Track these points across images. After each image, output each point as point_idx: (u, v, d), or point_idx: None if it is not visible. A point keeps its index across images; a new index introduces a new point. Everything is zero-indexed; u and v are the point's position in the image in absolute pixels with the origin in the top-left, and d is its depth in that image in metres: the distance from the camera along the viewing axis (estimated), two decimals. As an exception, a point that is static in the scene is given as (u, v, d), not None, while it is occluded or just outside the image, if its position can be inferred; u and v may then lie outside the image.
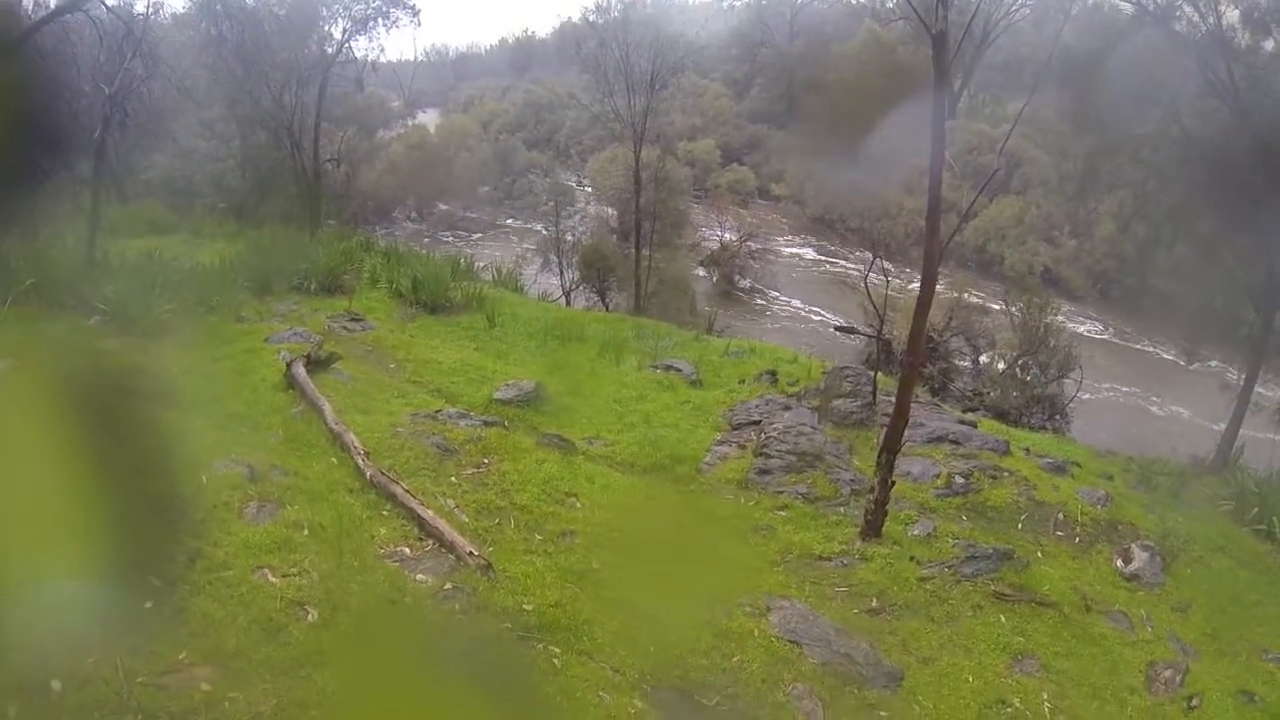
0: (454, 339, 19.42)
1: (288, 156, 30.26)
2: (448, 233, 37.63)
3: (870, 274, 20.70)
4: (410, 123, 42.72)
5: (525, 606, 8.06)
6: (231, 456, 9.23)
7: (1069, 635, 10.36)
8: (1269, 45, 23.11)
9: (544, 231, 33.85)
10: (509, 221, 38.38)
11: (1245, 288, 23.64)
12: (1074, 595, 11.23)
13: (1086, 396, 28.29)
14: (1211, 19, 22.29)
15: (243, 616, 6.77)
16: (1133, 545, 13.03)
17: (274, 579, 7.36)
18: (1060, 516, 13.51)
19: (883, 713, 8.48)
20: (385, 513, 9.26)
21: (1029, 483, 14.23)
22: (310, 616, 6.99)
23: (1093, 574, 12.28)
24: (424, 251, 28.54)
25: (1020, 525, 13.15)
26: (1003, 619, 10.38)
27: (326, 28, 32.27)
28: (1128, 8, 23.70)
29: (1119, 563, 12.74)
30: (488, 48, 60.47)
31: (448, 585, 8.13)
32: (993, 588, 10.88)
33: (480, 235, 37.43)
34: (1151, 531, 13.51)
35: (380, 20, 32.43)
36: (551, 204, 33.50)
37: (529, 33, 58.76)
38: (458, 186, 39.49)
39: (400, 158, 38.45)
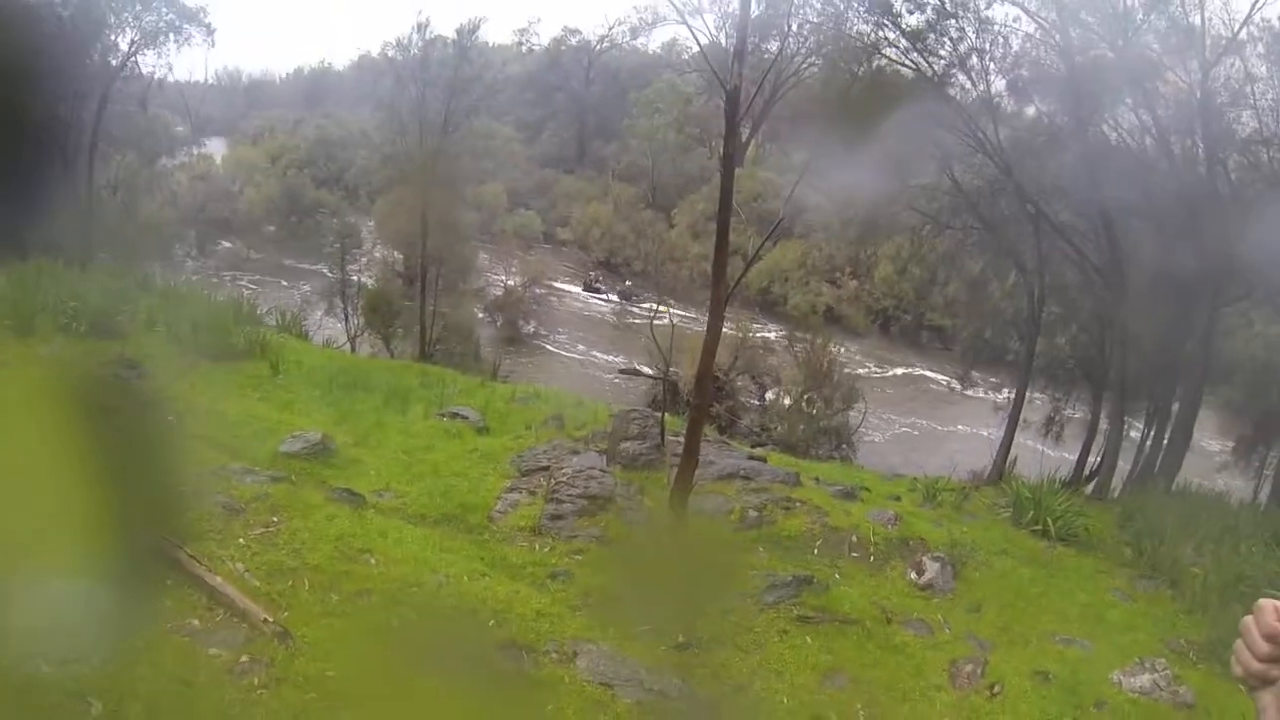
0: (237, 388, 18.15)
1: (58, 178, 27.49)
2: (230, 273, 35.82)
3: (655, 317, 21.10)
4: (196, 151, 40.65)
5: (328, 673, 7.74)
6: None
7: (874, 647, 10.89)
8: (1030, 111, 25.02)
9: (329, 275, 32.95)
10: (294, 263, 36.98)
11: (1011, 320, 25.60)
12: (874, 610, 11.78)
13: (874, 432, 29.58)
14: (982, 86, 24.23)
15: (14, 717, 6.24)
16: (924, 558, 13.80)
17: (46, 668, 6.77)
18: (854, 539, 14.11)
19: None
20: (169, 582, 8.67)
21: (821, 510, 14.77)
22: (94, 709, 6.49)
23: (890, 589, 12.96)
24: (205, 293, 27.27)
25: (816, 551, 13.70)
26: (809, 640, 10.75)
27: (113, 37, 29.47)
28: (909, 73, 25.23)
29: (913, 575, 13.48)
30: (283, 76, 57.93)
31: (244, 658, 7.70)
32: (796, 612, 11.28)
33: (264, 277, 35.93)
34: (940, 543, 14.42)
35: (172, 35, 30.06)
36: (338, 246, 32.71)
37: (325, 64, 56.77)
38: (243, 224, 37.67)
39: (183, 189, 36.44)
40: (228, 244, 37.94)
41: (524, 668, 8.83)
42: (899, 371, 36.06)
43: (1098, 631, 13.04)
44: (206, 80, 50.68)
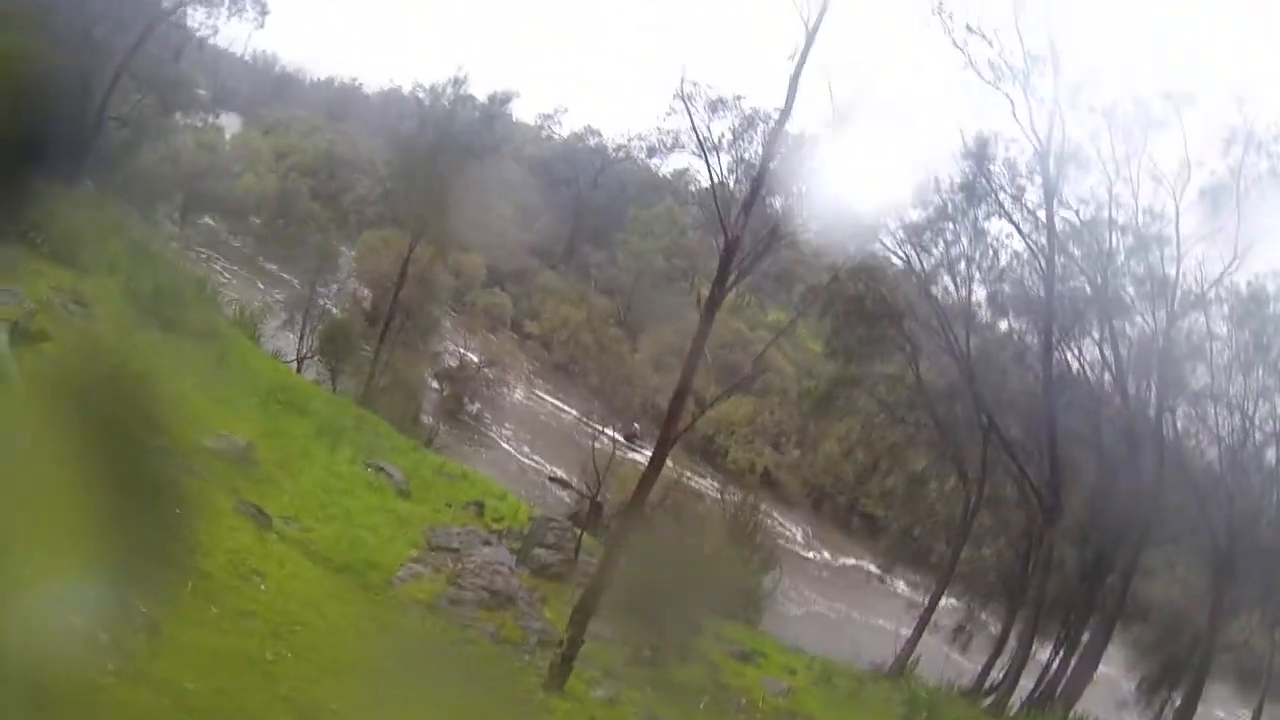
0: (179, 366, 16.55)
1: (71, 95, 26.27)
2: (205, 250, 35.09)
3: (599, 436, 21.06)
4: (210, 119, 40.08)
5: (188, 685, 7.17)
6: None
7: None
8: (1003, 325, 25.65)
9: (299, 289, 32.24)
10: (269, 265, 36.34)
11: (943, 522, 25.74)
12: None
13: (784, 603, 29.32)
14: (964, 291, 24.84)
15: None
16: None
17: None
18: (743, 701, 13.86)
19: None
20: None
21: (716, 666, 14.64)
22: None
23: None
24: (175, 259, 26.71)
25: (703, 705, 13.40)
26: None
27: (171, -22, 28.78)
28: (898, 262, 25.86)
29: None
30: (314, 79, 57.71)
31: (105, 636, 7.01)
32: None
33: (236, 267, 35.29)
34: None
35: (227, 1, 29.84)
36: (315, 263, 32.18)
37: (356, 82, 56.72)
38: (231, 207, 37.08)
39: (186, 151, 35.76)
40: (210, 221, 37.33)
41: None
42: (825, 554, 36.02)
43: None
44: (243, 56, 50.59)
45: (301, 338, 28.85)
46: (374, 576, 13.29)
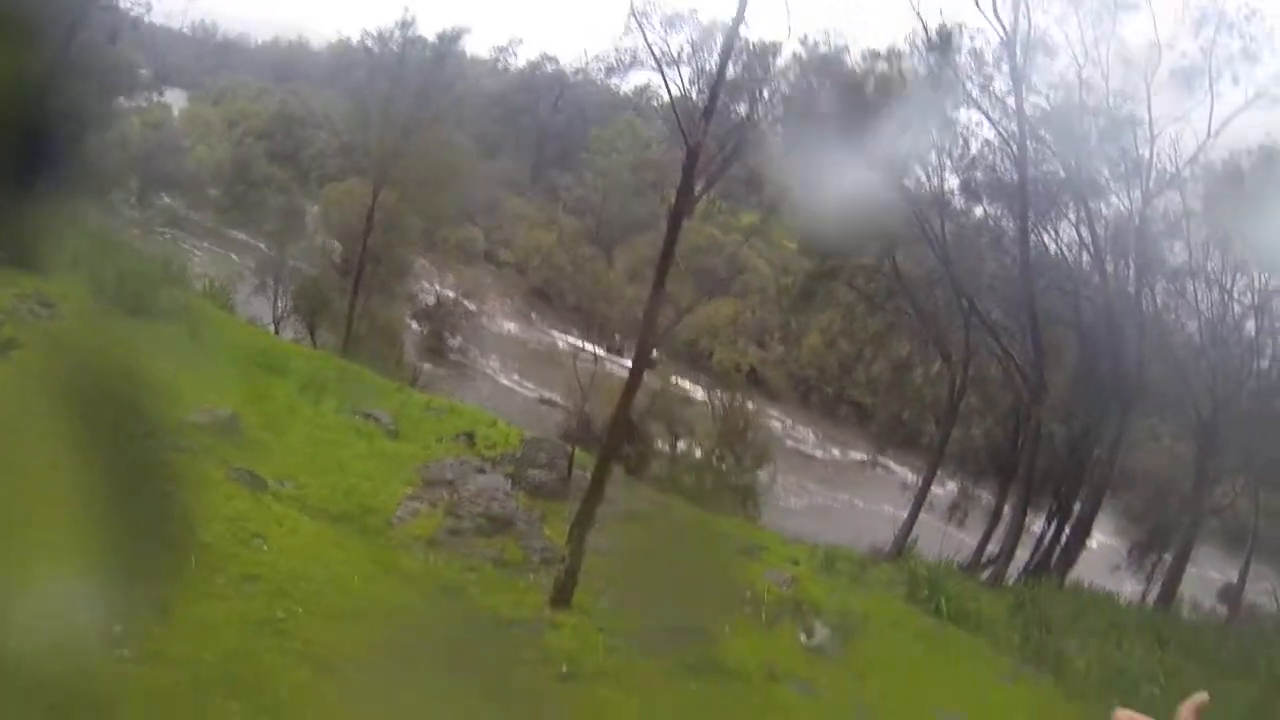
0: (153, 350, 16.48)
1: (12, 93, 25.73)
2: (167, 230, 34.64)
3: (580, 352, 21.14)
4: (155, 98, 39.42)
5: (204, 657, 7.43)
6: None
7: (758, 702, 10.89)
8: (978, 211, 25.71)
9: (267, 252, 32.06)
10: (233, 233, 35.94)
11: (930, 405, 26.12)
12: (761, 667, 11.76)
13: (782, 496, 29.73)
14: (936, 180, 24.86)
15: None
16: (815, 622, 13.89)
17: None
18: (748, 595, 14.13)
19: None
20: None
21: (719, 563, 14.87)
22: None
23: (778, 647, 12.97)
24: (137, 245, 26.48)
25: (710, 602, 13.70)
26: (693, 687, 10.65)
27: (101, -40, 27.79)
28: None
29: (803, 637, 13.56)
30: (258, 43, 56.37)
31: (117, 627, 7.26)
32: (682, 658, 11.12)
33: (200, 241, 34.92)
34: (833, 610, 14.61)
35: None
36: (280, 225, 32.07)
37: (302, 39, 55.50)
38: (188, 183, 36.59)
39: (134, 134, 35.28)
40: (169, 200, 36.83)
41: (402, 677, 8.58)
42: (814, 440, 36.40)
43: (978, 710, 13.25)
44: (182, 29, 49.51)
45: (275, 300, 28.76)
46: (372, 520, 13.50)
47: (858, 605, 15.56)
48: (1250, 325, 24.19)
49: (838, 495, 32.41)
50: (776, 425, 34.72)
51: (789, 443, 34.97)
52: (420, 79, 32.50)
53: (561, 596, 11.85)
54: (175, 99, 42.46)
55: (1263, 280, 23.71)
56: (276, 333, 27.26)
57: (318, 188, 37.39)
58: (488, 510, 14.19)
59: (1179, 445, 27.13)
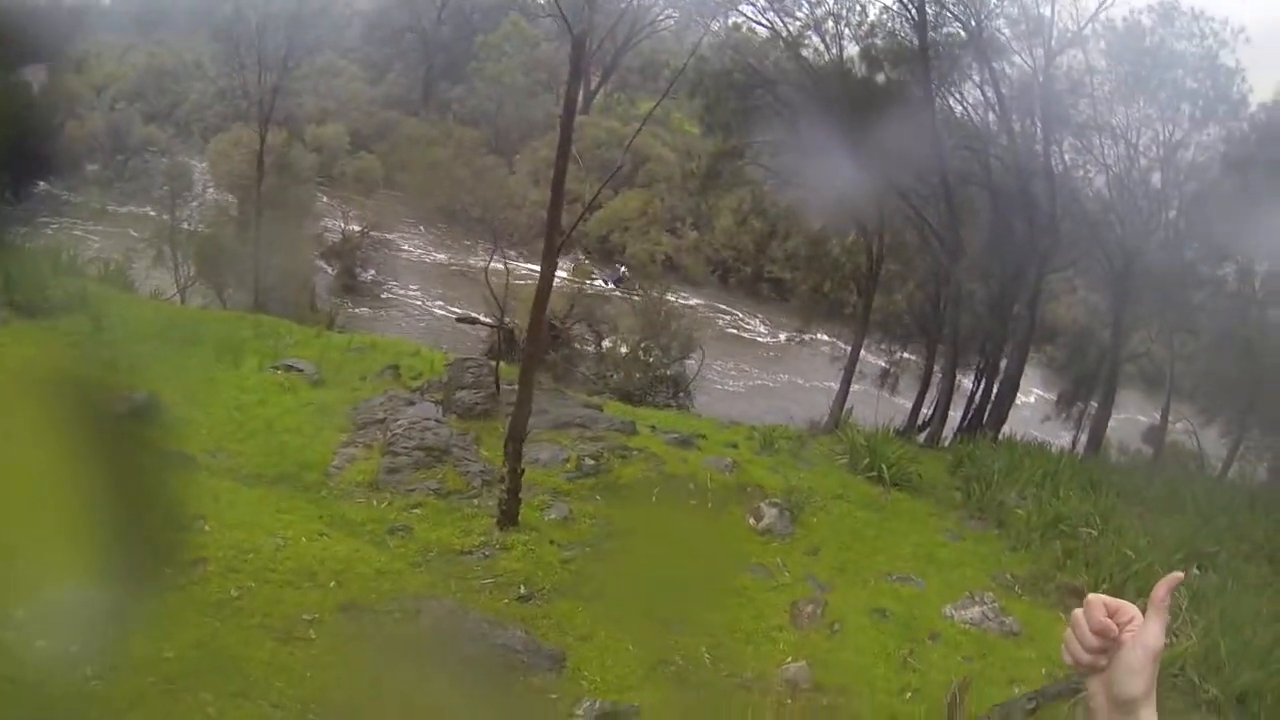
0: (55, 348, 16.22)
1: None
2: (50, 219, 33.09)
3: (492, 264, 20.92)
4: (13, 80, 37.34)
5: (166, 654, 7.37)
6: None
7: (713, 591, 11.23)
8: (880, 79, 25.60)
9: (158, 220, 30.39)
10: (119, 209, 34.40)
11: (850, 275, 26.37)
12: (712, 556, 12.02)
13: (713, 382, 30.01)
14: (835, 50, 24.68)
15: None
16: (761, 504, 14.26)
17: None
18: (691, 486, 14.37)
19: (553, 695, 8.72)
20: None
21: (658, 458, 15.09)
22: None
23: (728, 534, 13.40)
24: (20, 242, 25.36)
25: (654, 498, 13.88)
26: (647, 585, 10.99)
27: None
28: (763, 31, 25.58)
29: (751, 521, 13.86)
30: None
31: (73, 646, 7.11)
32: (634, 559, 11.41)
33: (86, 223, 33.43)
34: (777, 490, 14.92)
35: None
36: (167, 189, 30.80)
37: None
38: (63, 163, 34.98)
39: None
40: (46, 186, 35.17)
41: (365, 629, 8.62)
42: (737, 321, 36.64)
43: (930, 569, 13.81)
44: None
45: (176, 268, 27.42)
46: (310, 476, 13.33)
47: (801, 481, 15.89)
48: (1156, 177, 24.69)
49: (777, 375, 32.78)
50: (706, 312, 34.96)
51: (728, 329, 35.27)
52: (290, 7, 31.21)
53: (507, 517, 11.91)
54: (34, 75, 40.15)
55: (1167, 133, 24.22)
56: (183, 302, 26.18)
57: (203, 141, 36.09)
58: (422, 442, 14.08)
59: (1095, 297, 27.87)
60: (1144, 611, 1.82)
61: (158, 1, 52.23)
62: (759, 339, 35.86)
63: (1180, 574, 1.88)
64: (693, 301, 34.85)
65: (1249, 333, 24.28)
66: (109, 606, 7.58)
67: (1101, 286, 26.13)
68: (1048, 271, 24.94)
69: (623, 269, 35.18)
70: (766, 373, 32.88)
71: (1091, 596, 1.83)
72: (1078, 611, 1.82)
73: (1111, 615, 1.81)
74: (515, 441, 11.75)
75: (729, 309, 36.89)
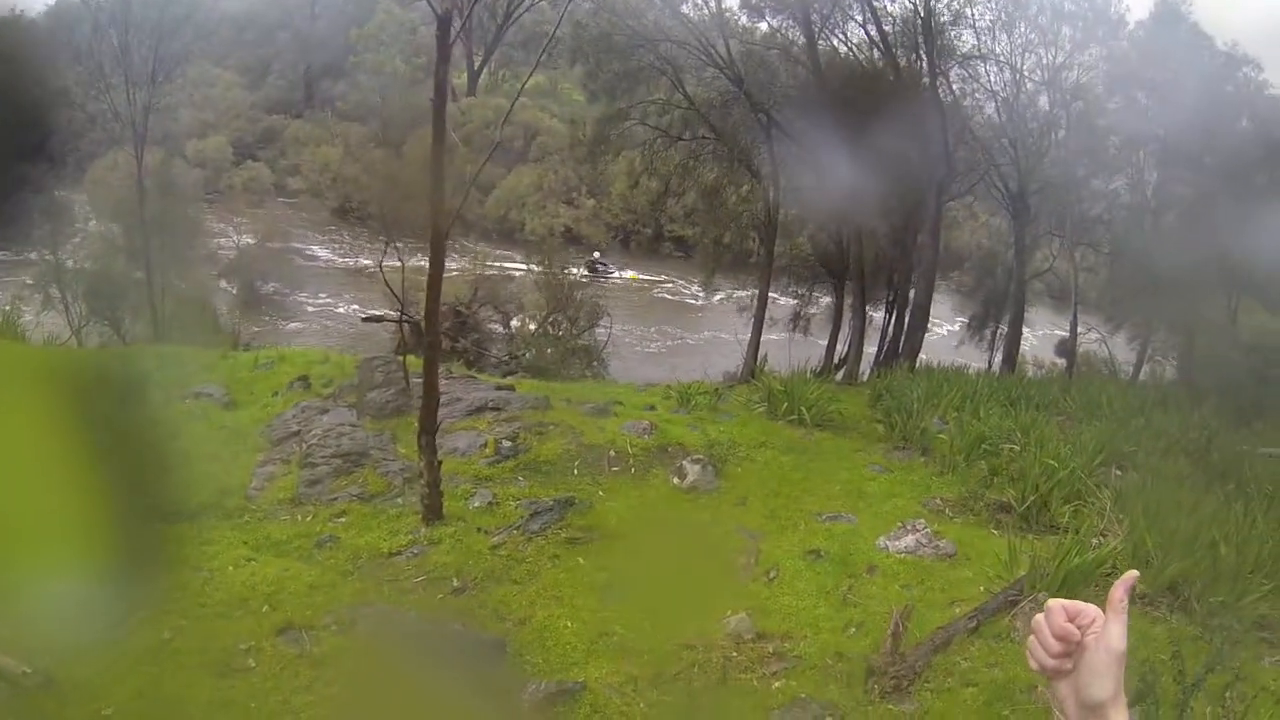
0: None
1: None
2: None
3: (386, 259, 20.73)
4: None
5: (105, 711, 7.24)
6: None
7: (645, 558, 11.25)
8: (763, 26, 25.73)
9: (43, 260, 29.47)
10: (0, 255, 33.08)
11: (749, 224, 26.59)
12: (640, 521, 12.04)
13: (628, 346, 30.05)
14: (714, 3, 24.78)
15: None
16: (684, 462, 14.33)
17: None
18: (612, 454, 14.46)
19: (497, 683, 8.69)
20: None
21: (576, 431, 15.11)
22: None
23: (655, 497, 13.42)
24: None
25: (576, 471, 14.03)
26: (582, 561, 11.07)
27: None
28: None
29: (675, 480, 13.91)
30: None
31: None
32: (564, 535, 11.56)
33: None
34: (698, 446, 15.05)
35: None
36: (48, 227, 29.75)
37: (17, 12, 50.28)
38: None
39: None
40: None
41: (305, 649, 8.53)
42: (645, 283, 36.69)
43: (860, 505, 13.97)
44: None
45: (67, 308, 26.61)
46: (231, 502, 13.09)
47: (722, 434, 16.08)
48: (1044, 100, 25.26)
49: (695, 332, 32.92)
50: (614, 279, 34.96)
51: (636, 292, 35.27)
52: (154, 17, 30.21)
53: (432, 511, 11.84)
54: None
55: (1050, 57, 24.76)
56: (80, 344, 25.32)
57: (80, 172, 34.96)
58: (339, 449, 13.93)
59: (996, 220, 28.45)
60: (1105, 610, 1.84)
61: (13, 30, 50.38)
62: (668, 298, 35.96)
63: (1135, 572, 1.91)
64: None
65: (1145, 240, 25.00)
66: (39, 676, 7.39)
67: (1001, 209, 26.67)
68: (947, 200, 25.43)
69: (596, 253, 35.18)
70: (686, 331, 33.02)
71: (1051, 602, 1.86)
72: (1039, 618, 1.86)
73: (1072, 619, 1.83)
74: (427, 434, 11.69)
75: (636, 270, 36.92)
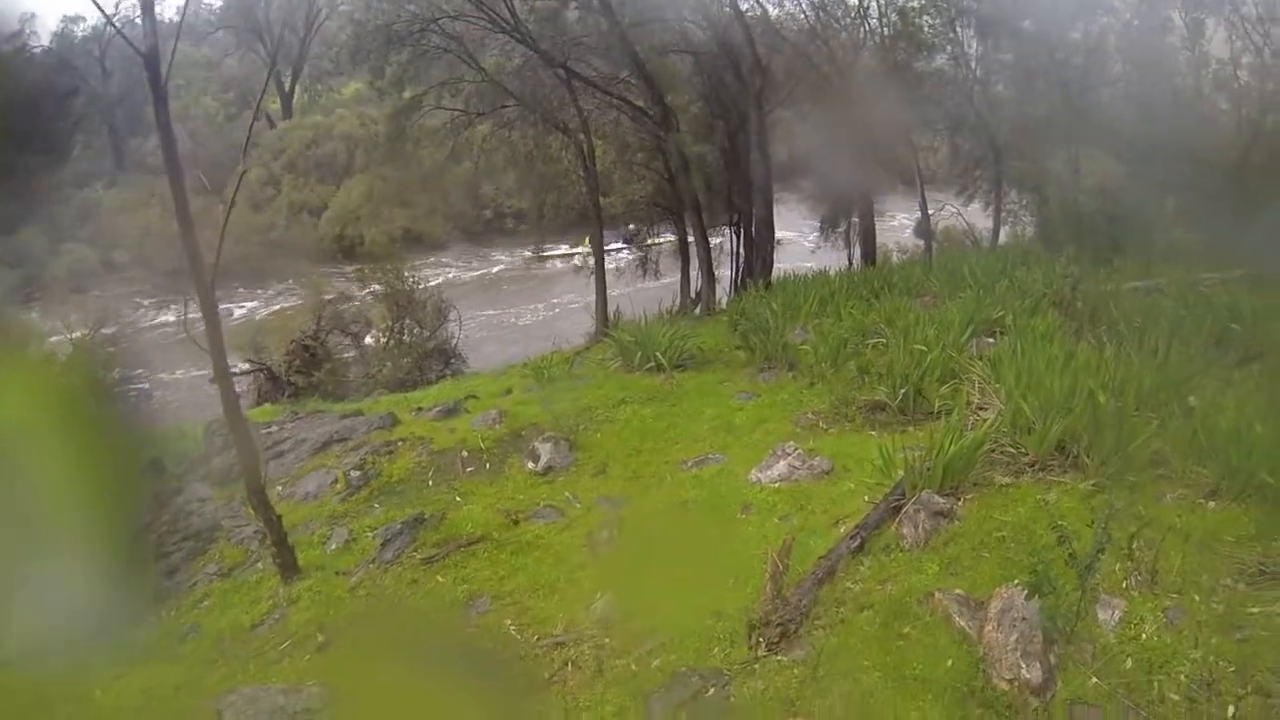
0: None
1: None
2: None
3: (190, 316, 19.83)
4: None
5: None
6: None
7: (507, 556, 10.70)
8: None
9: None
10: None
11: (574, 181, 26.16)
12: (498, 518, 11.64)
13: (506, 327, 29.57)
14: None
15: None
16: (535, 443, 13.76)
17: None
18: (464, 454, 13.94)
19: None
20: None
21: (424, 440, 14.59)
22: None
23: (511, 488, 12.87)
24: None
25: (430, 483, 13.43)
26: (440, 580, 10.53)
27: None
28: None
29: (530, 465, 13.43)
30: None
31: None
32: (418, 557, 11.01)
33: None
34: (550, 421, 14.48)
35: None
36: None
37: None
38: None
39: None
40: None
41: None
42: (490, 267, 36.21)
43: (729, 440, 13.60)
44: None
45: None
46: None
47: (575, 403, 15.62)
48: None
49: (553, 301, 32.49)
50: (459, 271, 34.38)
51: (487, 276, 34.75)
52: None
53: (287, 569, 11.20)
54: None
55: None
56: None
57: None
58: (189, 530, 13.26)
59: (818, 116, 28.27)
60: None
61: None
62: (518, 274, 35.50)
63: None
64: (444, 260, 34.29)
65: (978, 110, 25.24)
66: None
67: (822, 107, 26.52)
68: (769, 111, 25.20)
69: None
70: (539, 302, 32.61)
71: None
72: None
73: None
74: (255, 494, 11.03)
75: (484, 256, 36.43)
